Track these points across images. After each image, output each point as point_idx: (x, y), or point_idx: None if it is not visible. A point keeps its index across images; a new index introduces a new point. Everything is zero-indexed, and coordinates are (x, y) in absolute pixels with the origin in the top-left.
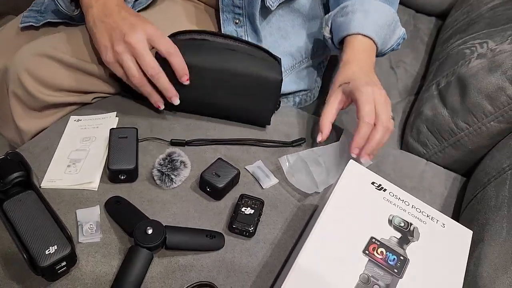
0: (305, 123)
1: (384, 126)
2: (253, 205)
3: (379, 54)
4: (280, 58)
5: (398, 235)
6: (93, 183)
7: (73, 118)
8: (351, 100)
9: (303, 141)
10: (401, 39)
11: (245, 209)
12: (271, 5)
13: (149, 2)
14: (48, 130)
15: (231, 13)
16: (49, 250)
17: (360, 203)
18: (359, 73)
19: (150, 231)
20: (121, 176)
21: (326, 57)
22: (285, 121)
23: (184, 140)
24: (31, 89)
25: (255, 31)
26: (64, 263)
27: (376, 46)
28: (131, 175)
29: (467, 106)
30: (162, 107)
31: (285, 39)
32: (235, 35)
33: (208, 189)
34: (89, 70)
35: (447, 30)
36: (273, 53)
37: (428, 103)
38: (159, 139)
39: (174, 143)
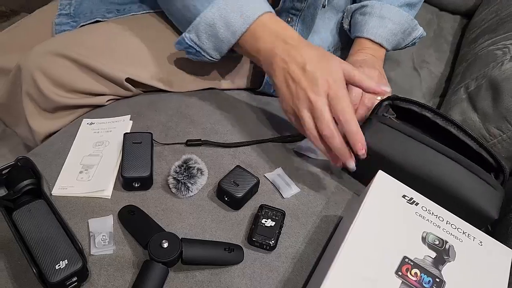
0: None
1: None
2: (273, 217)
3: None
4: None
5: (433, 254)
6: (106, 191)
7: (85, 121)
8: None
9: None
10: (417, 39)
11: (265, 221)
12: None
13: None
14: (61, 133)
15: (285, 12)
16: (59, 265)
17: (391, 218)
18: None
19: (165, 245)
20: (135, 184)
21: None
22: None
23: (200, 139)
24: (44, 89)
25: (307, 28)
26: (75, 279)
27: (386, 50)
28: (146, 183)
29: (500, 111)
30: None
31: (316, 33)
32: None
33: (226, 199)
34: (104, 72)
35: (474, 29)
36: None
37: (456, 107)
38: (175, 143)
39: (190, 144)
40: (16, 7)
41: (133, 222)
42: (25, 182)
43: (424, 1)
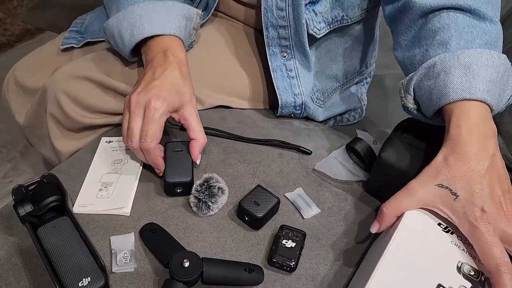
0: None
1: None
2: (294, 238)
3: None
4: None
5: (468, 284)
6: (125, 208)
7: (104, 139)
8: (446, 216)
9: None
10: None
11: (286, 242)
12: (315, 33)
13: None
14: (82, 150)
15: (277, 46)
16: (82, 282)
17: (426, 246)
18: (474, 173)
19: (186, 264)
20: (177, 189)
21: (369, 73)
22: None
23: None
24: (68, 110)
25: (305, 57)
26: None
27: (491, 109)
28: (188, 188)
29: None
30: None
31: (334, 61)
32: (283, 69)
33: (246, 218)
34: (126, 92)
35: (505, 43)
36: (319, 76)
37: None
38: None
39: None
40: (43, 25)
41: (154, 240)
42: (51, 199)
43: None
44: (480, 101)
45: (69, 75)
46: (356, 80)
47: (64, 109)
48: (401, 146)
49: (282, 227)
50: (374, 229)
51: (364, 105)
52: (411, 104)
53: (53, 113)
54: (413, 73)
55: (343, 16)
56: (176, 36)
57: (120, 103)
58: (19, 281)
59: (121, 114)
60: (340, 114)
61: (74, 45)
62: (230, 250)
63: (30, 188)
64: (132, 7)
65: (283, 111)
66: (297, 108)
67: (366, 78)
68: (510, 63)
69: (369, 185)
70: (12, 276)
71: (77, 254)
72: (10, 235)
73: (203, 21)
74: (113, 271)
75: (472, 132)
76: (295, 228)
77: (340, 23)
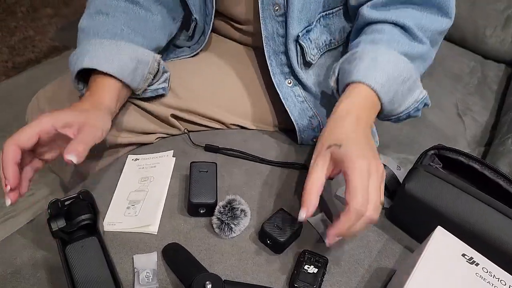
0: None
1: (369, 217)
2: (316, 263)
3: (389, 117)
4: None
5: None
6: (152, 226)
7: (131, 157)
8: (339, 169)
9: None
10: (420, 104)
11: (308, 267)
12: (312, 60)
13: (194, 53)
14: (108, 168)
15: (281, 74)
16: None
17: (450, 278)
18: (354, 134)
19: (209, 286)
20: (201, 210)
21: None
22: None
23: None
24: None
25: (305, 83)
26: None
27: (381, 102)
28: (211, 209)
29: None
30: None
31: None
32: (292, 95)
33: (268, 242)
34: (151, 110)
35: None
36: (323, 95)
37: (504, 158)
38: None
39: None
40: (71, 45)
41: (177, 260)
42: (83, 217)
43: (468, 49)
44: (372, 88)
45: None
46: None
47: None
48: (426, 178)
49: (304, 252)
50: (302, 215)
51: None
52: (332, 83)
53: None
54: (342, 58)
55: (331, 40)
56: (114, 77)
57: (147, 123)
58: None
59: (149, 133)
60: None
61: None
62: (252, 274)
63: (66, 203)
64: (86, 41)
65: (302, 136)
66: (316, 130)
67: None
68: (417, 76)
69: (391, 213)
70: None
71: (100, 279)
72: (38, 249)
73: (202, 46)
74: None
75: (350, 110)
76: (317, 254)
77: (329, 47)
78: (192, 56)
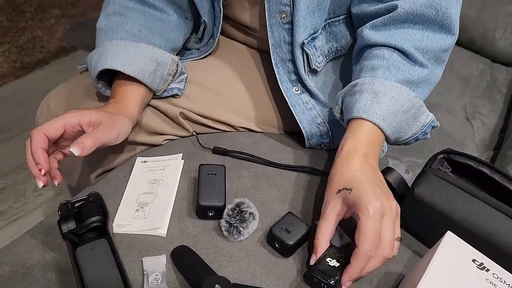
0: None
1: (384, 257)
2: (340, 258)
3: (397, 143)
4: None
5: None
6: (161, 229)
7: (139, 159)
8: (352, 211)
9: None
10: (428, 127)
11: (330, 260)
12: (317, 67)
13: (203, 56)
14: (116, 170)
15: (288, 81)
16: None
17: (459, 283)
18: (363, 175)
19: None
20: (209, 213)
21: None
22: None
23: (226, 149)
24: None
25: (312, 90)
26: None
27: (385, 134)
28: (219, 212)
29: None
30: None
31: (338, 86)
32: (300, 102)
33: (276, 245)
34: (163, 109)
35: None
36: (331, 102)
37: None
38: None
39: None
40: (79, 45)
41: (186, 263)
42: (93, 219)
43: (477, 52)
44: (374, 124)
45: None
46: None
47: None
48: (435, 182)
49: (331, 245)
50: (312, 261)
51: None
52: (337, 113)
53: None
54: (344, 88)
55: (337, 47)
56: (137, 79)
57: (155, 120)
58: None
59: (155, 133)
60: None
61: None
62: (260, 277)
63: (76, 205)
64: (107, 43)
65: (311, 142)
66: (324, 136)
67: None
68: (421, 103)
69: (400, 218)
70: None
71: (110, 281)
72: (48, 250)
73: (211, 49)
74: None
75: (357, 148)
76: (343, 250)
77: (335, 54)
78: (201, 59)
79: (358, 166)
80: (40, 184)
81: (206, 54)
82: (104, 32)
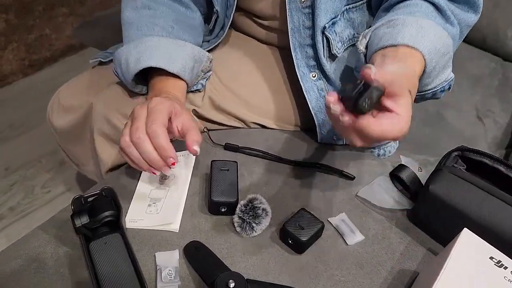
0: None
1: (401, 130)
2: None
3: (418, 92)
4: None
5: None
6: (174, 224)
7: None
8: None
9: None
10: (447, 84)
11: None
12: (337, 52)
13: (212, 46)
14: (128, 167)
15: (306, 67)
16: None
17: (477, 281)
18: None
19: (232, 285)
20: (222, 209)
21: None
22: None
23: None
24: (117, 122)
25: (330, 77)
26: None
27: (424, 70)
28: (232, 208)
29: None
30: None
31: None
32: (315, 89)
33: (290, 241)
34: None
35: None
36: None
37: None
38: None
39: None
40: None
41: (199, 258)
42: (106, 213)
43: (488, 50)
44: (421, 53)
45: (117, 92)
46: None
47: (114, 124)
48: (451, 179)
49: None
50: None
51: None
52: (362, 47)
53: (102, 130)
54: (375, 24)
55: (354, 34)
56: (179, 77)
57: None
58: None
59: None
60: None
61: (102, 59)
62: (273, 273)
63: (89, 200)
64: (146, 39)
65: (322, 131)
66: None
67: None
68: (452, 54)
69: (414, 215)
70: (60, 287)
71: (123, 275)
72: (61, 244)
73: (220, 40)
74: (158, 287)
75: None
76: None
77: (351, 41)
78: (209, 50)
79: (400, 69)
80: (169, 171)
81: (215, 44)
82: (136, 26)
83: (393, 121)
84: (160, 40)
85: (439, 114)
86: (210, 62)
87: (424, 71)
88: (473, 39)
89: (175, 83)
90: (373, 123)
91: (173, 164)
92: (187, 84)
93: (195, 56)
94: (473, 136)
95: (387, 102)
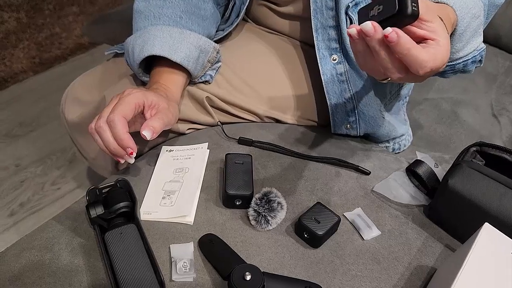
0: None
1: (432, 67)
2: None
3: (450, 60)
4: None
5: None
6: (188, 217)
7: (165, 148)
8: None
9: None
10: (479, 55)
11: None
12: None
13: (225, 33)
14: (141, 159)
15: (327, 49)
16: None
17: (499, 276)
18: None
19: (248, 277)
20: (236, 202)
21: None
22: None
23: (251, 139)
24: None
25: (350, 62)
26: None
27: (456, 30)
28: (247, 201)
29: None
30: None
31: None
32: (334, 72)
33: (305, 235)
34: (193, 93)
35: None
36: (371, 86)
37: None
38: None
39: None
40: (102, 39)
41: (214, 251)
42: (121, 204)
43: (502, 48)
44: (453, 8)
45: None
46: (398, 96)
47: None
48: (470, 174)
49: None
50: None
51: (410, 135)
52: None
53: None
54: None
55: None
56: (182, 67)
57: (185, 107)
58: (81, 283)
59: (184, 120)
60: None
61: (117, 51)
62: (289, 267)
63: (103, 191)
64: (151, 28)
65: (335, 118)
66: (349, 114)
67: (406, 97)
68: (481, 21)
69: (431, 211)
70: (75, 277)
71: (139, 265)
72: (75, 235)
73: (233, 26)
74: (172, 279)
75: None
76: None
77: None
78: (224, 42)
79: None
80: (132, 160)
81: (229, 31)
82: (145, 16)
83: (436, 48)
84: (165, 29)
85: (454, 112)
86: (217, 52)
87: (455, 31)
88: (488, 37)
89: (170, 76)
90: (419, 47)
91: (131, 153)
92: (191, 74)
93: (201, 46)
94: (488, 134)
95: (426, 32)
